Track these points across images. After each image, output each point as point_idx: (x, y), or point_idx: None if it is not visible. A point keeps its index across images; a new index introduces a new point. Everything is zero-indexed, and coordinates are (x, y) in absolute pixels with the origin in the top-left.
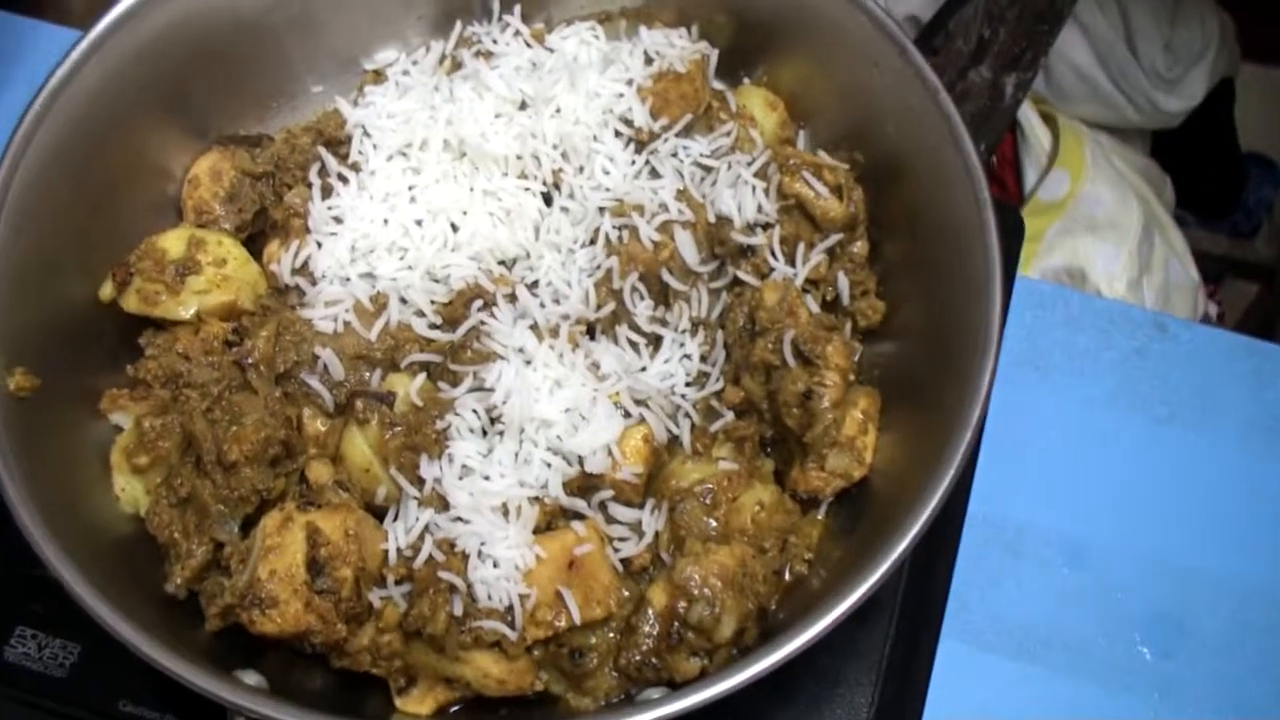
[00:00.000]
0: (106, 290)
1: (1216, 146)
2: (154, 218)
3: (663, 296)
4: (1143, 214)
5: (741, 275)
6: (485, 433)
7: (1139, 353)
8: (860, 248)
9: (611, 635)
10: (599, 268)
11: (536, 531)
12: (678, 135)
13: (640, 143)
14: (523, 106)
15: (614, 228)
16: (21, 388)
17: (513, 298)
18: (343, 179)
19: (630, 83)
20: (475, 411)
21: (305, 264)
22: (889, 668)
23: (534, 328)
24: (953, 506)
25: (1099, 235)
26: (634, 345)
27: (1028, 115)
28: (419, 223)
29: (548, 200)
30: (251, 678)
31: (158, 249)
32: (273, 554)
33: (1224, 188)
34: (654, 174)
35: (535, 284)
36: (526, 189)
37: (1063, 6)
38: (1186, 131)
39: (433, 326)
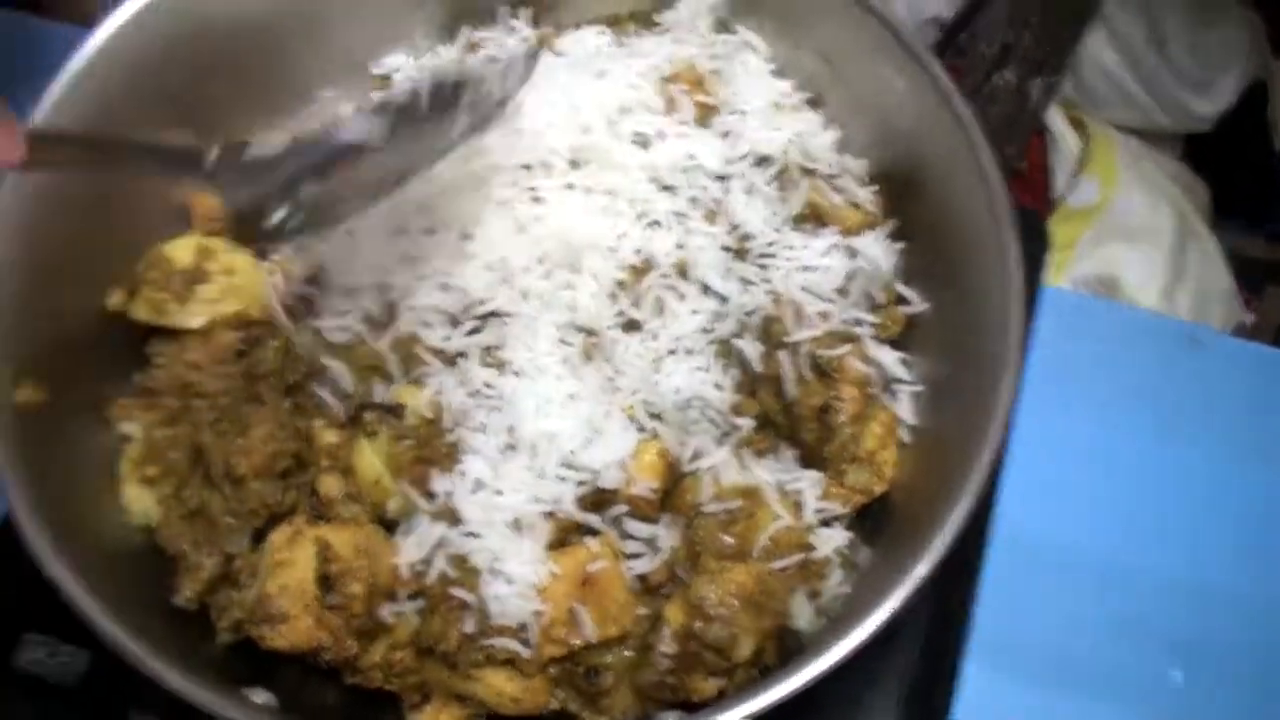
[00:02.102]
0: (115, 299)
1: (1251, 150)
2: (162, 226)
3: (677, 305)
4: (1176, 220)
5: (756, 283)
6: (497, 446)
7: (1170, 365)
8: None
9: (627, 654)
10: (613, 278)
11: (550, 547)
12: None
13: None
14: (531, 114)
15: None
16: (30, 403)
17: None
18: None
19: (643, 85)
20: (486, 424)
21: (316, 273)
22: (910, 692)
23: (546, 339)
24: (976, 523)
25: (1131, 242)
26: (648, 356)
27: (1056, 120)
28: (430, 232)
29: None
30: (260, 695)
31: (166, 258)
32: (282, 569)
33: (1260, 191)
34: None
35: (547, 294)
36: (538, 199)
37: (1087, 10)
38: (1219, 135)
39: (445, 338)
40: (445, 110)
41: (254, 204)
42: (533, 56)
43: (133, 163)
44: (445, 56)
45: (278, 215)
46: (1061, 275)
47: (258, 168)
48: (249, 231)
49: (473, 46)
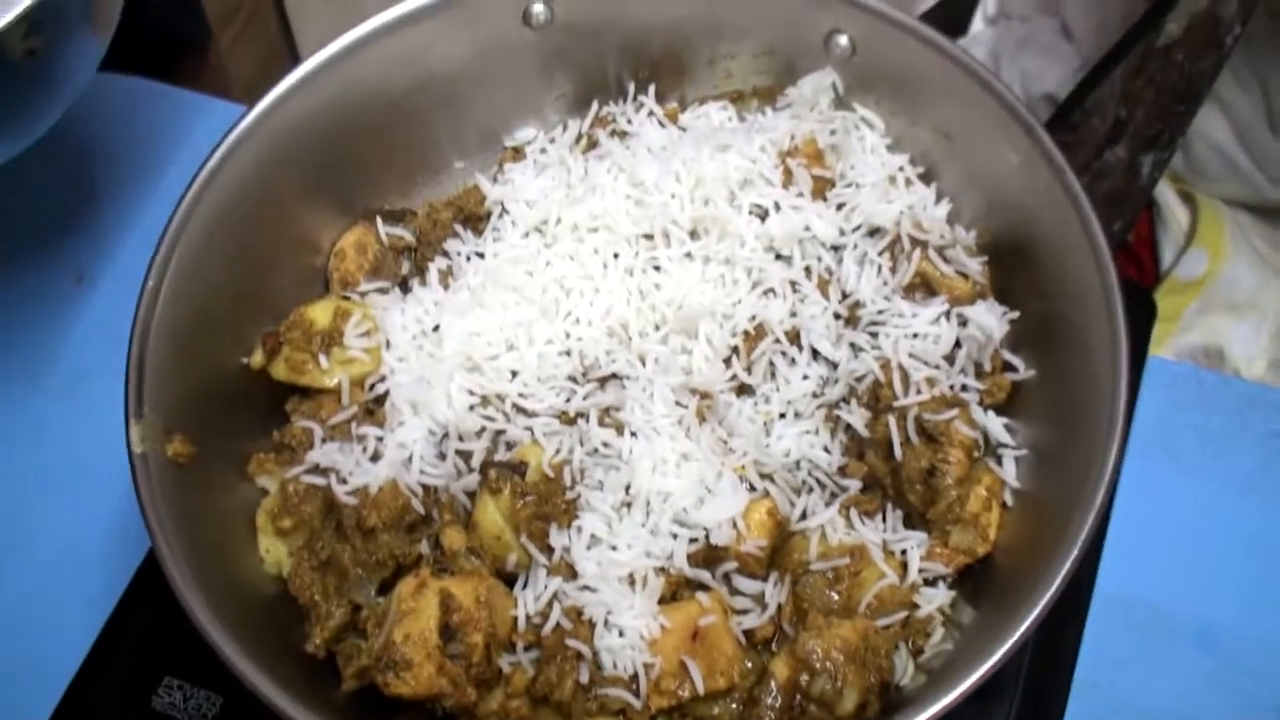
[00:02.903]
0: (257, 358)
1: None
2: (301, 288)
3: (788, 370)
4: None
5: (866, 350)
6: (613, 504)
7: (1277, 436)
8: None
9: (734, 706)
10: (727, 343)
11: (661, 602)
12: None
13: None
14: (655, 186)
15: None
16: (179, 454)
17: (643, 371)
18: (480, 255)
19: (763, 159)
20: (603, 482)
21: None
22: None
23: (663, 401)
24: (1080, 584)
25: (1238, 315)
26: (759, 419)
27: (1165, 193)
28: (555, 300)
29: None
30: None
31: (306, 319)
32: (407, 618)
33: None
34: (780, 255)
35: (664, 358)
36: (657, 267)
37: (1200, 87)
38: None
39: (568, 400)
40: None
41: None
42: None
43: None
44: (573, 130)
45: None
46: (1166, 346)
47: None
48: None
49: (601, 121)
